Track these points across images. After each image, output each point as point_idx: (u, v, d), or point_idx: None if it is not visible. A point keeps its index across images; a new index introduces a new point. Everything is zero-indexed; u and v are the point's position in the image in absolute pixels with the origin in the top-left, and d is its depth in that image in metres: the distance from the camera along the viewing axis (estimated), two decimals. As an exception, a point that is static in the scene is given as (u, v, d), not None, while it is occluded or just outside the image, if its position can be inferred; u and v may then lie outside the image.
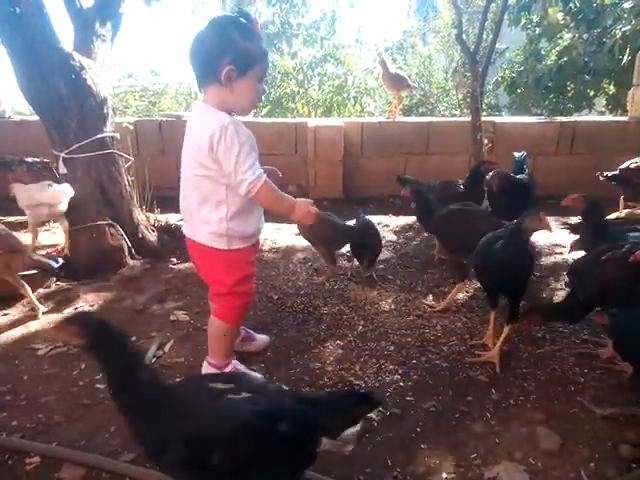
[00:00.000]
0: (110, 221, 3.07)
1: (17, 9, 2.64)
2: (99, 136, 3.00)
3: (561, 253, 3.28)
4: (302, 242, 3.27)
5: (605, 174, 3.66)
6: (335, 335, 2.31)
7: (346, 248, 3.09)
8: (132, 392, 1.16)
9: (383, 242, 3.21)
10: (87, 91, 2.95)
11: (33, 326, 2.41)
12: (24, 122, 4.91)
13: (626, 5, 6.04)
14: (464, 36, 4.42)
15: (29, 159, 3.26)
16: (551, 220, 2.10)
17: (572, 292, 2.05)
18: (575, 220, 3.36)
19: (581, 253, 2.52)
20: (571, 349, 2.16)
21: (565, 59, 6.75)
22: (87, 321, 1.20)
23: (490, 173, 2.98)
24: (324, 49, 10.37)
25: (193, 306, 2.60)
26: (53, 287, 2.80)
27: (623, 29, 5.99)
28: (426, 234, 3.53)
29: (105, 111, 3.07)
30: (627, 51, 5.88)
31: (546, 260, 3.24)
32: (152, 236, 3.36)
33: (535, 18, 7.10)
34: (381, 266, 3.12)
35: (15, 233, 2.65)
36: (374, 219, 3.27)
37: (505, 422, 1.73)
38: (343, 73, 10.62)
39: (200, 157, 1.66)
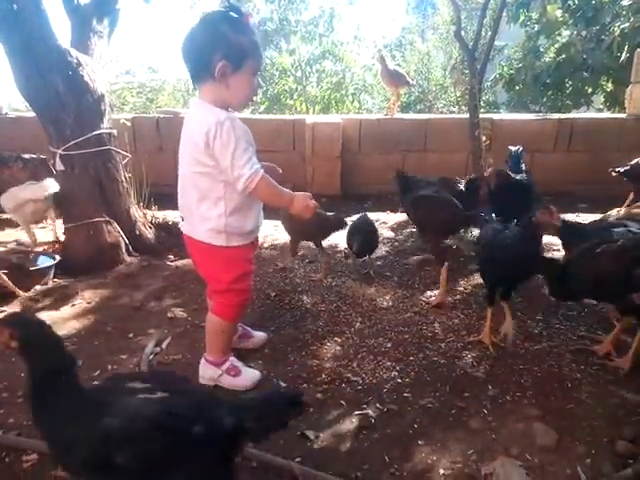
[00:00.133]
0: (107, 218, 3.06)
1: (14, 6, 2.64)
2: (96, 133, 2.99)
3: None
4: (300, 239, 3.27)
5: (617, 170, 3.66)
6: (333, 332, 2.31)
7: (343, 245, 3.08)
8: (53, 395, 1.11)
9: (380, 239, 3.21)
10: (84, 88, 2.94)
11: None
12: (21, 119, 4.90)
13: (624, 2, 6.06)
14: (463, 33, 4.41)
15: (26, 156, 3.26)
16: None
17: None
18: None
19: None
20: (568, 345, 2.17)
21: (563, 56, 6.76)
22: (21, 322, 1.16)
23: (489, 169, 2.98)
24: (322, 46, 10.37)
25: (191, 303, 2.60)
26: (50, 284, 2.80)
27: (621, 26, 6.00)
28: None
29: (102, 108, 3.07)
30: (625, 48, 5.89)
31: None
32: (149, 233, 3.35)
33: (534, 15, 7.12)
34: (379, 263, 3.13)
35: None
36: (372, 216, 3.27)
37: (502, 418, 1.74)
38: (341, 70, 10.63)
39: (197, 154, 1.66)
